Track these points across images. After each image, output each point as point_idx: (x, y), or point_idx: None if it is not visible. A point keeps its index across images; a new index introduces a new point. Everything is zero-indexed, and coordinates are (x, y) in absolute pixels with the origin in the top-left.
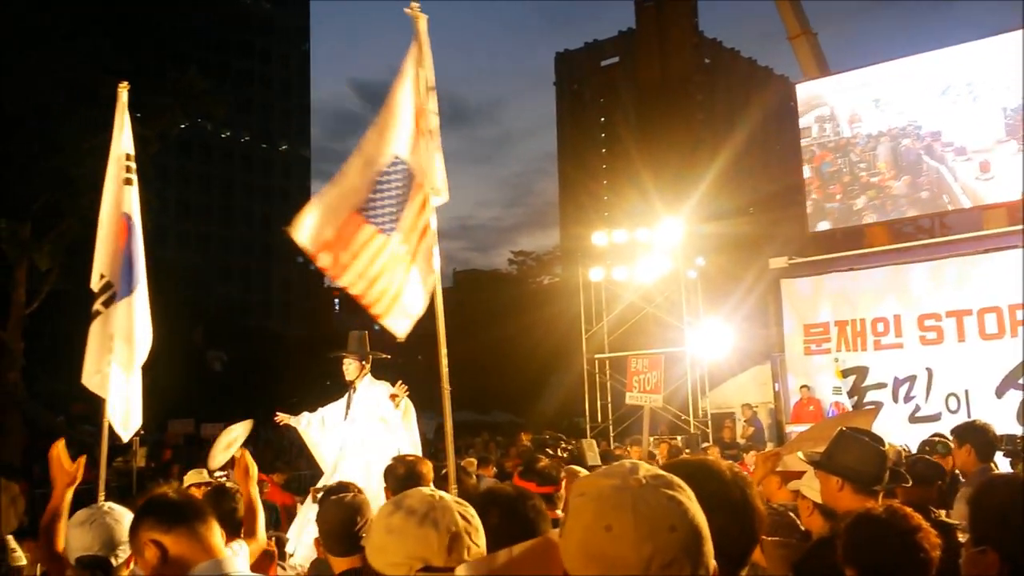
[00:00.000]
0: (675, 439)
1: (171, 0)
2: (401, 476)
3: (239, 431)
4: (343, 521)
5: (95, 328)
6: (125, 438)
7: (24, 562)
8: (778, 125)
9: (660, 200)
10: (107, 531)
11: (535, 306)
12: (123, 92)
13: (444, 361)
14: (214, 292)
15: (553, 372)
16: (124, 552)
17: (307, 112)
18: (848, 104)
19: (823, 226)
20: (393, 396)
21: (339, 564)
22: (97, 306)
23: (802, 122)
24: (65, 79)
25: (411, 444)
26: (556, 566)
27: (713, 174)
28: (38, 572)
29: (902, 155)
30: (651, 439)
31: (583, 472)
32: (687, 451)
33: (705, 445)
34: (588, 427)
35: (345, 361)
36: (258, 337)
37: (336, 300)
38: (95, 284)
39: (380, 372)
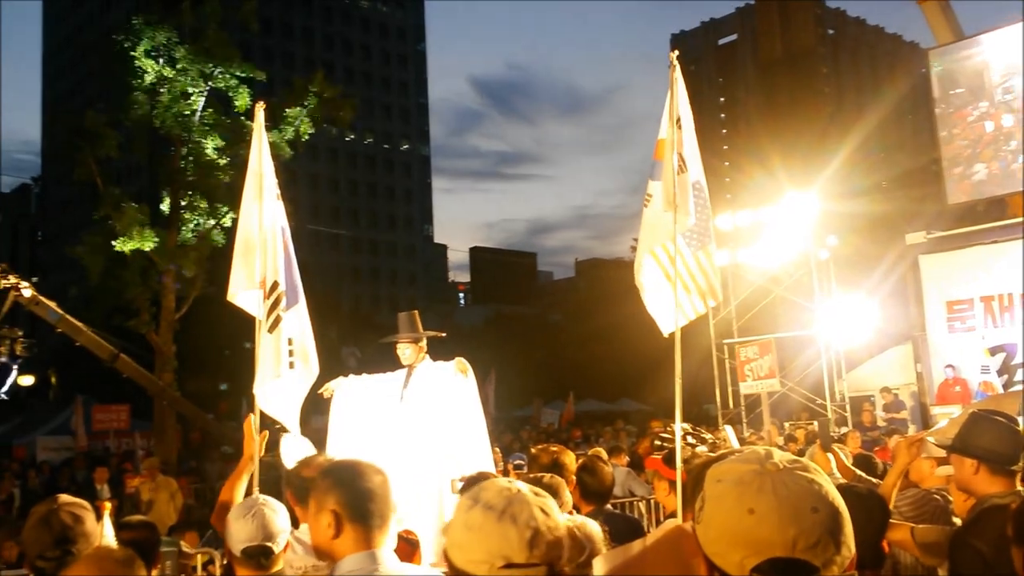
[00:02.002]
0: (811, 424)
1: (294, 8)
2: (545, 465)
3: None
4: None
5: (273, 333)
6: (298, 431)
7: (188, 548)
8: (912, 96)
9: (787, 178)
10: (266, 521)
11: None
12: (260, 111)
13: (679, 357)
14: (345, 290)
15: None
16: (282, 540)
17: (426, 111)
18: None
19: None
20: (463, 370)
21: None
22: (279, 311)
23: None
24: (202, 92)
25: (480, 428)
26: (690, 553)
27: (843, 149)
28: (199, 562)
29: None
30: (786, 424)
31: None
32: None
33: (844, 430)
34: (719, 414)
35: (399, 346)
36: (388, 332)
37: (461, 294)
38: (267, 291)
39: (511, 362)
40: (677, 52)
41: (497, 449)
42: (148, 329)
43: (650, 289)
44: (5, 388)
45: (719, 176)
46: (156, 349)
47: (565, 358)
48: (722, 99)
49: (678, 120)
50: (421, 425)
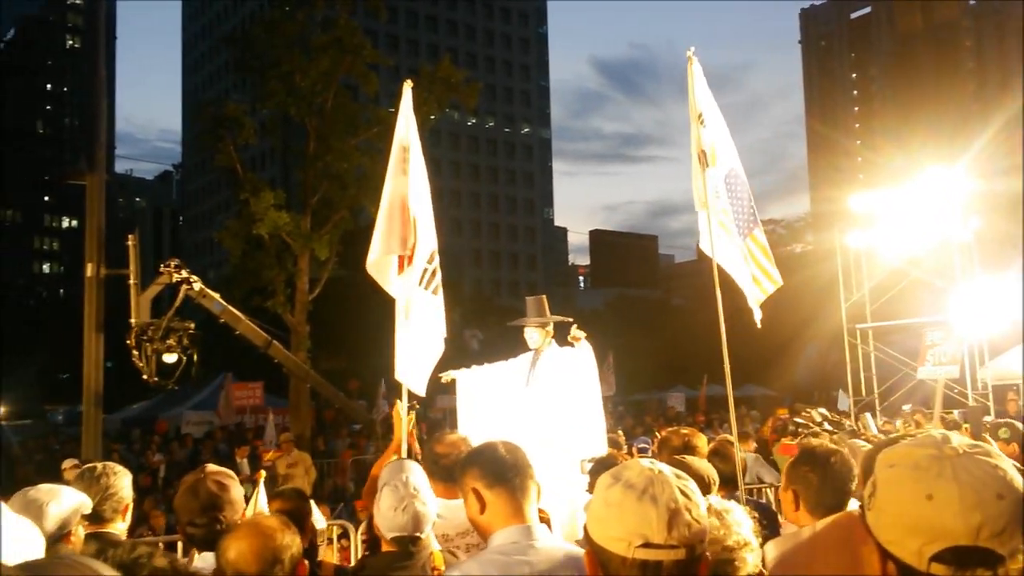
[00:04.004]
0: (950, 413)
1: None
2: (677, 448)
3: None
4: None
5: (438, 295)
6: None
7: (323, 523)
8: None
9: (926, 156)
10: (417, 515)
11: (785, 276)
12: (407, 89)
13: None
14: (467, 273)
15: (804, 343)
16: (429, 526)
17: (547, 94)
18: None
19: None
20: (576, 338)
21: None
22: (438, 280)
23: None
24: (333, 80)
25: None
26: (860, 539)
27: (986, 126)
28: (334, 534)
29: None
30: (918, 413)
31: (866, 447)
32: (966, 426)
33: (988, 419)
34: (852, 401)
35: (527, 330)
36: (510, 316)
37: (581, 277)
38: (428, 261)
39: (631, 346)
40: (693, 48)
41: (620, 432)
42: (284, 310)
43: (740, 282)
44: (174, 378)
45: (851, 156)
46: (291, 329)
47: (687, 342)
48: (854, 75)
49: (700, 116)
50: (547, 408)
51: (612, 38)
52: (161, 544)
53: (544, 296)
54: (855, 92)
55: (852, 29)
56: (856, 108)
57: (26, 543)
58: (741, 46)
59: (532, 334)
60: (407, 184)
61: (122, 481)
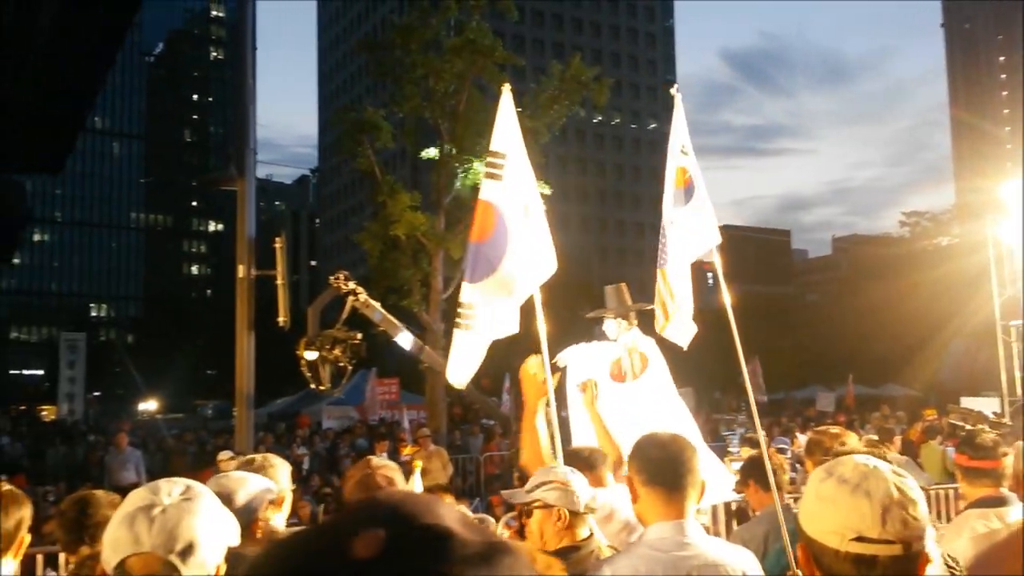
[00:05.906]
0: None
1: None
2: (828, 449)
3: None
4: None
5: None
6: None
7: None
8: None
9: None
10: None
11: (928, 269)
12: (507, 92)
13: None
14: (594, 270)
15: (947, 341)
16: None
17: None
18: None
19: None
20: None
21: None
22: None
23: None
24: (465, 82)
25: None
26: None
27: None
28: None
29: None
30: None
31: None
32: None
33: None
34: (1006, 401)
35: (605, 321)
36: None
37: (709, 274)
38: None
39: (763, 345)
40: (677, 86)
41: (762, 431)
42: (419, 308)
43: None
44: (341, 386)
45: (999, 144)
46: (426, 328)
47: (823, 340)
48: (1001, 59)
49: (682, 148)
50: (635, 396)
51: (741, 28)
52: None
53: (624, 284)
54: (1003, 76)
55: (999, 10)
56: (1004, 93)
57: (230, 533)
58: (879, 31)
59: (610, 325)
60: (501, 191)
61: (279, 472)
